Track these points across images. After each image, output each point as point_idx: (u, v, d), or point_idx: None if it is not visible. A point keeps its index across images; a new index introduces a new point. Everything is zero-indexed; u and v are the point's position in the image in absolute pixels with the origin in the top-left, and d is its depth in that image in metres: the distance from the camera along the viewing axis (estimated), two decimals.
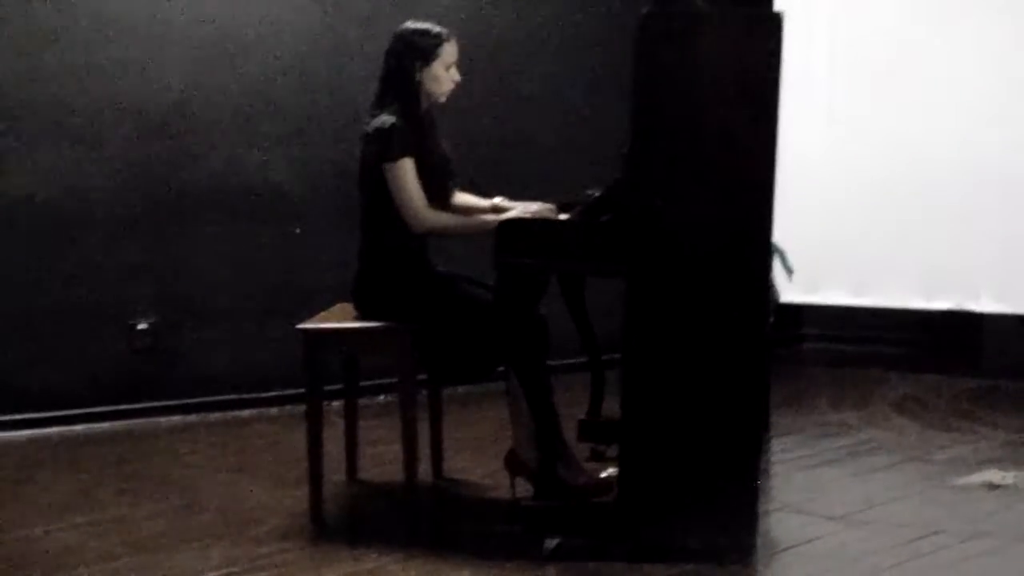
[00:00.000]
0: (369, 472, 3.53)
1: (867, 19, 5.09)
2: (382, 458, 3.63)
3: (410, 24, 3.18)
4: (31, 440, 4.03)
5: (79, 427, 4.15)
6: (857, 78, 5.07)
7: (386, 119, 3.07)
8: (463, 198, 3.34)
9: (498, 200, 3.31)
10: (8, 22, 4.04)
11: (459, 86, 3.20)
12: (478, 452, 3.76)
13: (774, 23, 2.78)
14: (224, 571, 2.79)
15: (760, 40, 2.77)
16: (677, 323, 2.82)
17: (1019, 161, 4.79)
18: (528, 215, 3.08)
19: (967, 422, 4.24)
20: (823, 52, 5.08)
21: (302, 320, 3.18)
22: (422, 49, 3.11)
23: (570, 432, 3.32)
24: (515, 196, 3.42)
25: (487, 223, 3.00)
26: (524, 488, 3.17)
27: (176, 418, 4.30)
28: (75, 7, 4.13)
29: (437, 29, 3.15)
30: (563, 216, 3.19)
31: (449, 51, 3.14)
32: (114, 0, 4.18)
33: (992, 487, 3.42)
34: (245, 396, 4.42)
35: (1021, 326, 4.95)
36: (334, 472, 3.38)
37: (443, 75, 3.13)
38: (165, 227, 4.31)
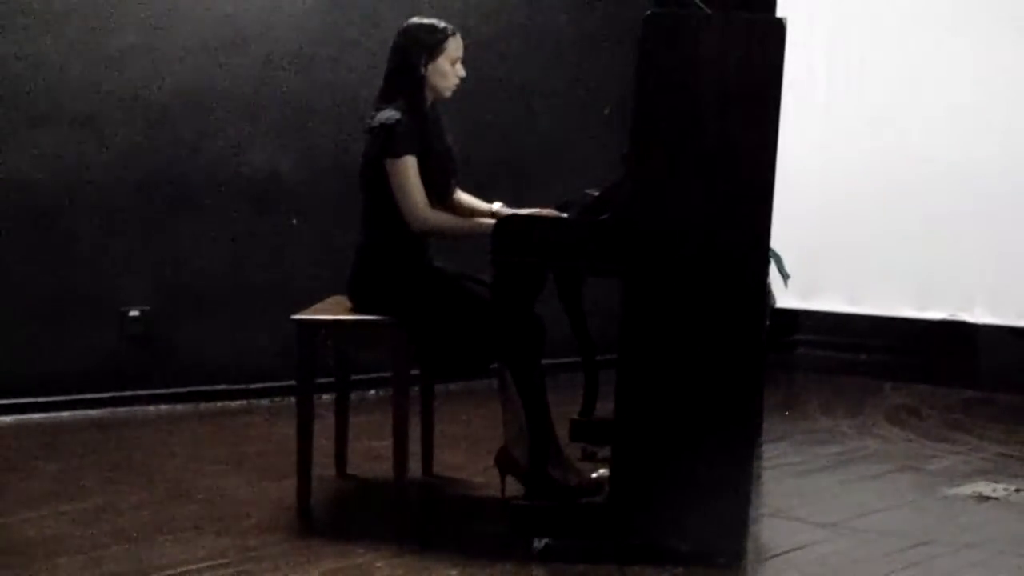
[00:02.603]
0: (359, 467, 3.52)
1: (866, 27, 5.09)
2: (372, 453, 3.61)
3: (415, 19, 3.18)
4: (17, 426, 4.01)
5: (66, 414, 4.13)
6: (855, 85, 5.07)
7: (391, 114, 3.06)
8: (463, 198, 3.33)
9: (497, 206, 3.30)
10: (9, 6, 4.01)
11: (463, 82, 3.19)
12: (469, 449, 3.75)
13: (776, 28, 2.78)
14: (210, 563, 2.77)
15: (761, 45, 2.77)
16: (673, 325, 2.81)
17: (1016, 172, 4.80)
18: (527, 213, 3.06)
19: (959, 433, 4.24)
20: (822, 58, 5.09)
21: (296, 311, 3.16)
22: (428, 44, 3.11)
23: (562, 432, 3.31)
24: (515, 194, 3.41)
25: (487, 226, 2.99)
26: (514, 487, 3.16)
27: (165, 407, 4.28)
28: None
29: (443, 24, 3.16)
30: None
31: (454, 46, 3.14)
32: None
33: (982, 498, 3.42)
34: (236, 387, 4.40)
35: (1014, 337, 4.95)
36: (323, 466, 3.36)
37: (448, 70, 3.13)
38: (161, 215, 4.29)
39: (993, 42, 4.84)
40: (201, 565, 2.76)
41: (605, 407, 3.34)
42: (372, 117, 3.12)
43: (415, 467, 3.35)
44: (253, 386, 4.41)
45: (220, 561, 2.78)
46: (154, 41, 4.22)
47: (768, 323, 3.52)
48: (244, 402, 4.37)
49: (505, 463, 3.18)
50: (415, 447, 3.34)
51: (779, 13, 4.92)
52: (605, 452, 3.27)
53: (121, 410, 4.20)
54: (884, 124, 5.01)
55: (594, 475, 3.18)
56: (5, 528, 2.98)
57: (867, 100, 5.05)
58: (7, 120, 4.05)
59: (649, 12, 2.78)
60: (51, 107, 4.10)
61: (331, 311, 3.18)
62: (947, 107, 4.90)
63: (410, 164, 3.04)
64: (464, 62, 3.18)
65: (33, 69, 4.06)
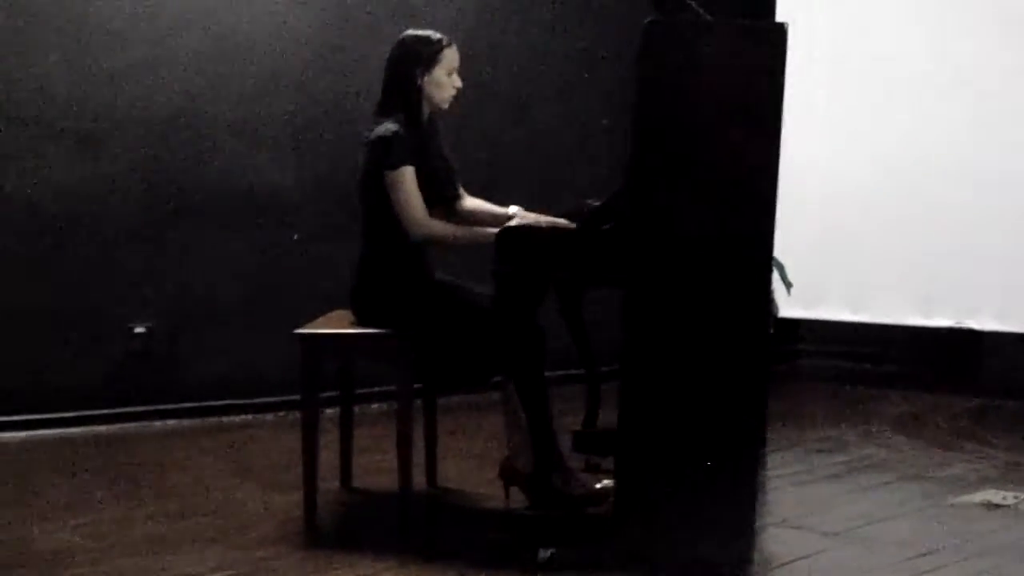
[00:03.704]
0: (363, 480, 3.52)
1: (868, 33, 5.09)
2: (376, 466, 3.61)
3: (411, 31, 3.20)
4: (28, 441, 4.02)
5: (76, 429, 4.14)
6: (858, 91, 5.07)
7: (388, 127, 3.08)
8: (474, 203, 3.32)
9: (514, 209, 3.29)
10: (12, 25, 4.04)
11: (460, 93, 3.21)
12: (473, 461, 3.74)
13: (777, 34, 2.78)
14: (219, 574, 2.77)
15: (763, 51, 2.77)
16: (676, 334, 2.81)
17: (1021, 178, 4.79)
18: (528, 223, 3.07)
19: (966, 441, 4.22)
20: (824, 64, 5.08)
21: (300, 326, 3.17)
22: (424, 55, 3.13)
23: (565, 443, 3.31)
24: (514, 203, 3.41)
25: (487, 235, 3.00)
26: (518, 498, 3.16)
27: (172, 422, 4.29)
28: (79, 11, 4.13)
29: (438, 36, 3.18)
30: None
31: (450, 57, 3.16)
32: (118, 4, 4.19)
33: (991, 507, 3.40)
34: (241, 402, 4.41)
35: (1021, 344, 4.94)
36: (328, 479, 3.36)
37: (445, 81, 3.15)
38: (164, 231, 4.31)
39: (996, 47, 4.84)
40: None
41: (608, 418, 3.34)
42: (370, 130, 3.13)
43: (419, 479, 3.35)
44: (258, 400, 4.42)
45: (229, 572, 2.78)
46: (156, 59, 4.24)
47: (772, 332, 3.52)
48: (249, 416, 4.38)
49: (509, 474, 3.18)
50: (419, 459, 3.34)
51: (779, 19, 4.93)
52: (609, 463, 3.26)
53: (129, 425, 4.21)
54: (887, 130, 5.00)
55: (598, 486, 3.17)
56: (19, 541, 2.99)
57: (870, 106, 5.05)
58: (12, 139, 4.07)
59: (649, 19, 2.78)
60: (55, 125, 4.12)
61: (334, 325, 3.19)
62: (950, 112, 4.89)
63: (408, 175, 3.05)
64: (460, 73, 3.19)
65: (37, 88, 4.09)
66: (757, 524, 2.94)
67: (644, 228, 2.80)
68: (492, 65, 4.73)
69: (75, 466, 3.72)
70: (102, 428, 4.17)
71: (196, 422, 4.30)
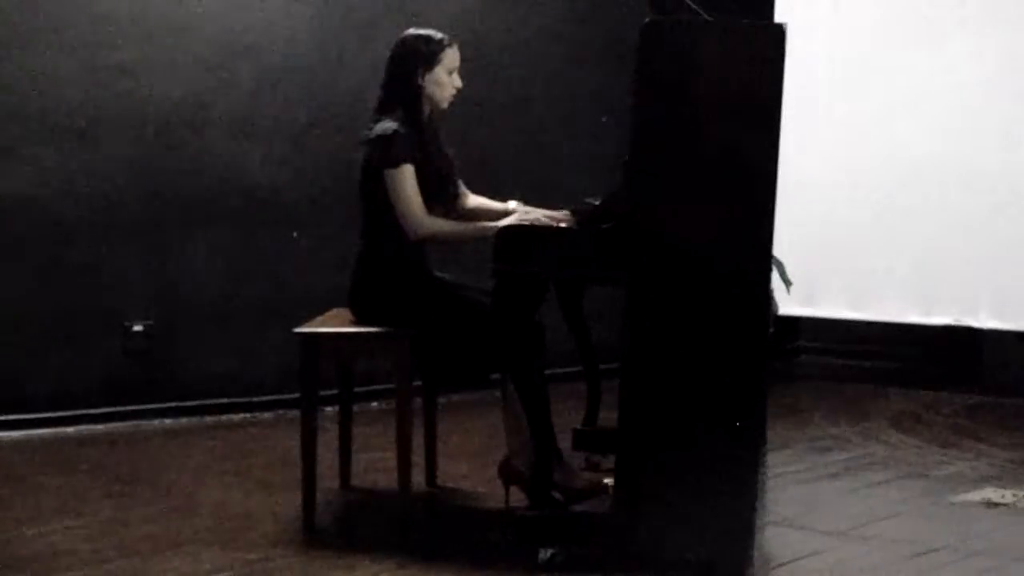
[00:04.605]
0: (362, 479, 3.51)
1: (867, 30, 5.09)
2: (375, 465, 3.61)
3: (412, 30, 3.20)
4: (23, 441, 4.01)
5: (71, 429, 4.13)
6: (856, 90, 5.06)
7: (388, 125, 3.08)
8: (478, 200, 3.33)
9: (513, 204, 3.29)
10: (8, 23, 4.03)
11: (460, 92, 3.20)
12: (472, 460, 3.74)
13: (776, 33, 2.78)
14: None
15: (762, 50, 2.76)
16: (676, 333, 2.80)
17: (1020, 175, 4.79)
18: (527, 222, 3.06)
19: (965, 439, 4.22)
20: (822, 63, 5.08)
21: (298, 324, 3.16)
22: (424, 54, 3.13)
23: (565, 441, 3.30)
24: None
25: (485, 229, 3.00)
26: (519, 497, 3.15)
27: (169, 421, 4.28)
28: (76, 9, 4.12)
29: (439, 35, 3.18)
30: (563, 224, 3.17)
31: (451, 56, 3.16)
32: (115, 2, 4.17)
33: (991, 505, 3.40)
34: (239, 400, 4.40)
35: (1020, 342, 4.94)
36: (327, 478, 3.36)
37: (445, 80, 3.15)
38: (162, 230, 4.30)
39: (995, 44, 4.83)
40: None
41: (608, 416, 3.33)
42: (370, 128, 3.13)
43: (419, 478, 3.35)
44: (256, 399, 4.41)
45: (226, 574, 2.77)
46: (152, 56, 4.23)
47: (771, 330, 3.52)
48: (248, 415, 4.37)
49: (509, 473, 3.18)
50: (418, 458, 3.34)
51: (778, 18, 4.93)
52: (608, 461, 3.26)
53: (126, 425, 4.20)
54: (886, 128, 5.00)
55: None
56: (12, 542, 2.98)
57: (868, 104, 5.04)
58: (7, 137, 4.06)
59: (648, 19, 2.78)
60: (50, 124, 4.11)
61: (333, 324, 3.19)
62: (949, 110, 4.89)
63: (407, 172, 3.05)
64: (461, 73, 3.19)
65: (32, 86, 4.07)
66: (757, 523, 2.94)
67: (644, 227, 2.79)
68: (492, 64, 4.72)
69: (71, 466, 3.71)
70: (99, 427, 4.16)
71: (194, 421, 4.29)
